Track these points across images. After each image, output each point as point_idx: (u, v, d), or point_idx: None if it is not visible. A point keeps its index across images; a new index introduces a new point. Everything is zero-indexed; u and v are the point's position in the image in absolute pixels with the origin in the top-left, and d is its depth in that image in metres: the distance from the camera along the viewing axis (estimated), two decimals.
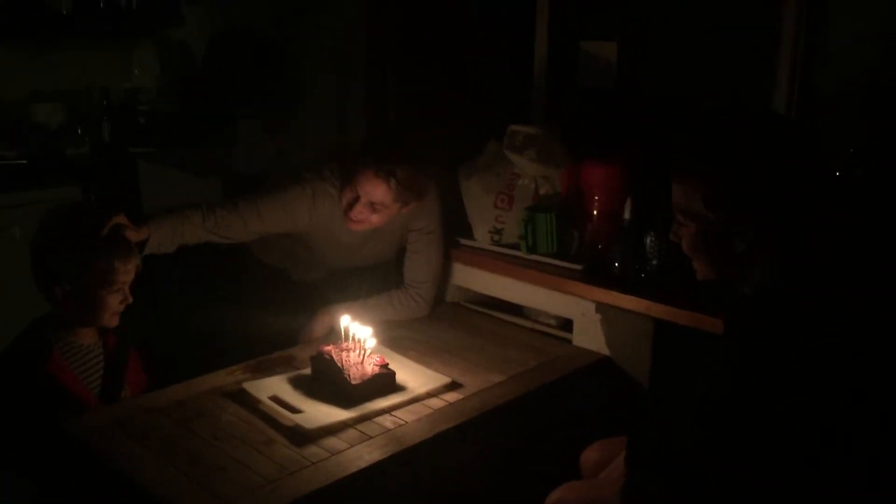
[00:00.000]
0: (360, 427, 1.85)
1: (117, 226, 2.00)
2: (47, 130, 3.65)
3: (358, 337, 2.01)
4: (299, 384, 2.01)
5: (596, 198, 2.41)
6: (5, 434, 1.92)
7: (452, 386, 2.05)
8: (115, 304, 1.98)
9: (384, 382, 1.99)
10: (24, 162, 3.46)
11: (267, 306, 2.51)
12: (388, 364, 2.02)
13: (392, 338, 2.31)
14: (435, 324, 2.50)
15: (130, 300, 2.01)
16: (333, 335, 2.25)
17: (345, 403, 1.91)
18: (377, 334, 2.06)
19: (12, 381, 1.92)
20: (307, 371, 2.07)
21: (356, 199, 2.26)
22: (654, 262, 2.23)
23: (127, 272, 1.98)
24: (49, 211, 2.02)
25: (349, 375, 1.94)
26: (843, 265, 1.51)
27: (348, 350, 2.00)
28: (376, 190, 2.22)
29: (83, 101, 3.79)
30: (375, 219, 2.30)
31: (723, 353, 1.57)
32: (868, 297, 1.47)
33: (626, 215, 2.27)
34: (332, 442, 1.79)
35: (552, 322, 2.47)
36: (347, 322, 2.05)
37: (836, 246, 1.53)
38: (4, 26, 3.44)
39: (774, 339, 1.43)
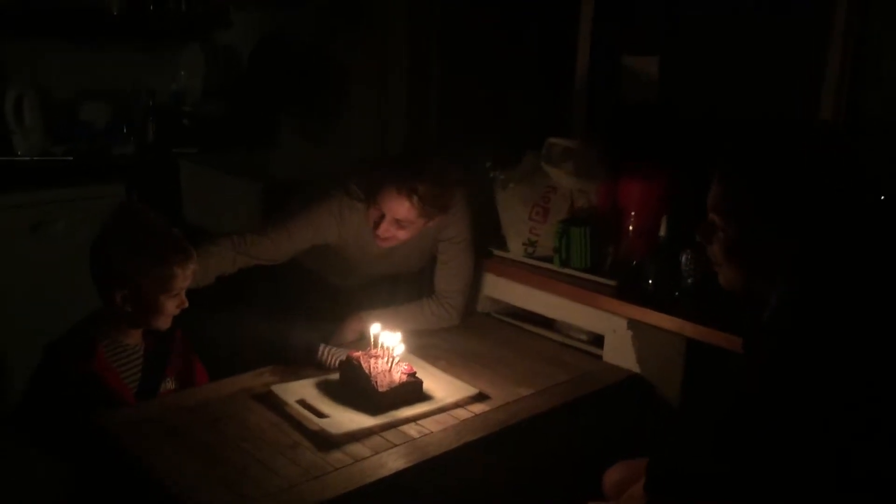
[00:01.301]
0: (385, 435, 1.85)
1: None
2: (94, 129, 3.72)
3: (386, 344, 2.01)
4: (327, 389, 2.02)
5: (632, 213, 2.39)
6: (48, 424, 1.95)
7: (479, 397, 2.04)
8: (172, 308, 2.01)
9: (411, 391, 1.99)
10: (71, 159, 3.52)
11: (301, 310, 2.52)
12: (415, 373, 2.02)
13: (421, 346, 2.31)
14: (465, 334, 2.49)
15: (186, 305, 2.03)
16: (363, 341, 2.25)
17: (371, 410, 1.92)
18: (405, 342, 2.06)
19: (58, 376, 1.95)
20: (335, 376, 2.07)
21: (381, 217, 2.28)
22: (689, 281, 2.20)
23: (186, 278, 2.00)
24: (114, 213, 2.04)
25: (377, 383, 1.95)
26: (875, 295, 1.47)
27: (377, 357, 2.00)
28: (400, 207, 2.24)
29: (130, 101, 3.86)
30: (402, 234, 2.31)
31: (741, 377, 1.53)
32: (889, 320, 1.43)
33: (662, 232, 2.25)
34: (357, 448, 1.79)
35: (583, 337, 2.44)
36: (377, 329, 2.05)
37: (873, 274, 1.49)
38: (56, 26, 3.51)
39: (791, 368, 1.40)
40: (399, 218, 2.26)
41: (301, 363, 2.15)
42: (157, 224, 2.02)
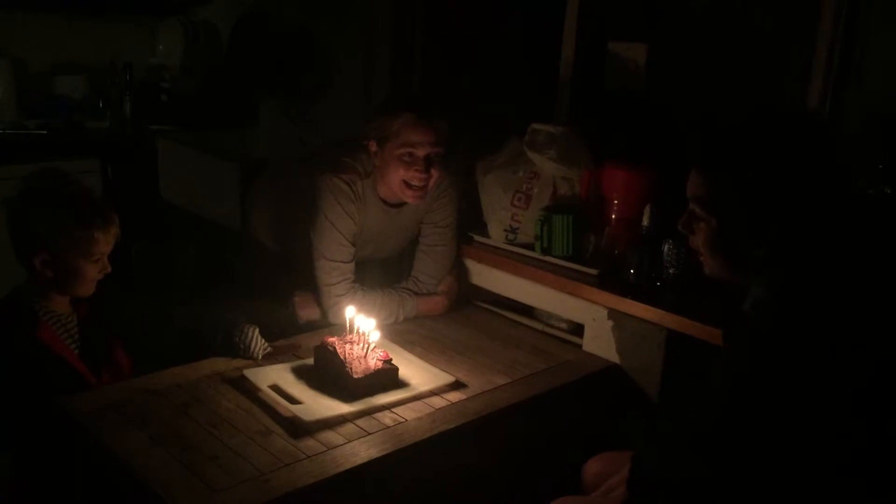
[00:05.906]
0: (359, 422, 1.81)
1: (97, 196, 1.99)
2: (69, 103, 3.65)
3: (361, 330, 1.97)
4: (301, 374, 1.98)
5: (615, 202, 2.36)
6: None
7: (456, 385, 2.01)
8: (93, 273, 1.96)
9: (386, 378, 1.95)
10: (44, 133, 3.45)
11: (276, 293, 2.47)
12: (391, 359, 1.98)
13: (397, 332, 2.27)
14: (442, 320, 2.45)
15: (109, 270, 1.99)
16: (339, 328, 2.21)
17: (345, 397, 1.88)
18: (380, 327, 2.02)
19: (3, 351, 1.89)
20: (311, 361, 2.03)
21: (407, 156, 2.23)
22: (671, 271, 2.17)
23: (107, 242, 1.96)
24: (30, 175, 1.98)
25: (351, 369, 1.91)
26: (855, 285, 1.44)
27: (352, 343, 1.96)
28: (424, 133, 2.22)
29: (107, 76, 3.78)
30: (434, 172, 2.27)
31: (719, 370, 1.50)
32: (872, 321, 1.41)
33: (645, 222, 2.21)
34: (330, 436, 1.75)
35: (563, 326, 2.41)
36: (352, 313, 2.01)
37: (853, 265, 1.47)
38: None
39: (771, 360, 1.37)
40: (426, 150, 2.22)
41: (219, 353, 2.08)
42: (76, 188, 1.98)
